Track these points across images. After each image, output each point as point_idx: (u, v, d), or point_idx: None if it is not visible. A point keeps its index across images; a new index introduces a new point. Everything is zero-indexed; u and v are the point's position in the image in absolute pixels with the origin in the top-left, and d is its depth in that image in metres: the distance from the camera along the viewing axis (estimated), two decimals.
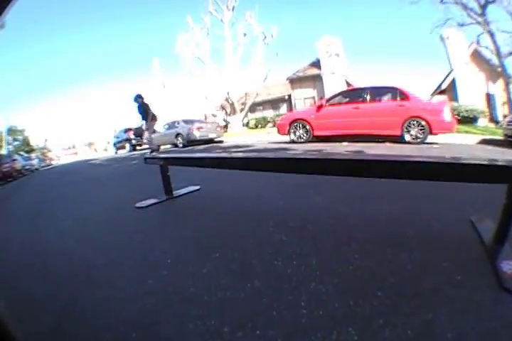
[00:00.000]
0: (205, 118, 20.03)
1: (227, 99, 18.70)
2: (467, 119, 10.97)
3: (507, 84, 11.84)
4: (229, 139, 11.87)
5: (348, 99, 7.07)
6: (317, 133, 7.11)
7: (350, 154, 3.98)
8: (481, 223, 1.26)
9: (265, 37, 18.16)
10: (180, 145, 11.22)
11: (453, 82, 14.93)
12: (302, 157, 1.64)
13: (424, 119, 6.07)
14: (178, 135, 11.60)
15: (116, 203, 2.78)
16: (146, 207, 2.32)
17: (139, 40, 52.49)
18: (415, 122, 6.15)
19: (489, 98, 14.77)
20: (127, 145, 15.98)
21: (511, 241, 1.08)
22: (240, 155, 2.13)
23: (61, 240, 1.88)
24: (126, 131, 16.01)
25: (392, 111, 6.38)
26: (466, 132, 8.67)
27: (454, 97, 13.98)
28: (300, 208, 1.97)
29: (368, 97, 6.78)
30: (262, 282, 1.07)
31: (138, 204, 2.38)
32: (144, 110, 7.33)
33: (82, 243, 1.77)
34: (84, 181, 5.06)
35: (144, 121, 7.57)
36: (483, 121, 11.62)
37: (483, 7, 12.21)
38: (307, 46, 29.55)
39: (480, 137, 7.62)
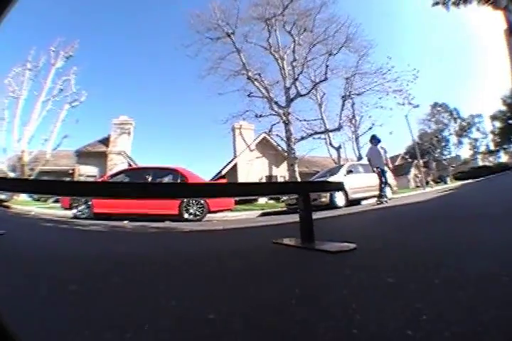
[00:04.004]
0: None
1: (20, 159, 15.10)
2: (246, 200, 13.04)
3: (291, 165, 14.27)
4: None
5: (130, 178, 7.11)
6: (97, 210, 6.66)
7: None
8: (282, 240, 2.28)
9: (75, 99, 16.89)
10: None
11: (234, 167, 17.71)
12: None
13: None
14: None
15: None
16: None
17: None
18: (194, 201, 6.61)
19: (270, 179, 19.05)
20: None
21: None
22: None
23: None
24: None
25: None
26: (245, 210, 10.37)
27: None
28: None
29: (149, 177, 6.97)
30: None
31: None
32: None
33: None
34: None
35: None
36: (262, 200, 14.49)
37: (291, 100, 14.69)
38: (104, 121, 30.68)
39: (260, 212, 9.42)
